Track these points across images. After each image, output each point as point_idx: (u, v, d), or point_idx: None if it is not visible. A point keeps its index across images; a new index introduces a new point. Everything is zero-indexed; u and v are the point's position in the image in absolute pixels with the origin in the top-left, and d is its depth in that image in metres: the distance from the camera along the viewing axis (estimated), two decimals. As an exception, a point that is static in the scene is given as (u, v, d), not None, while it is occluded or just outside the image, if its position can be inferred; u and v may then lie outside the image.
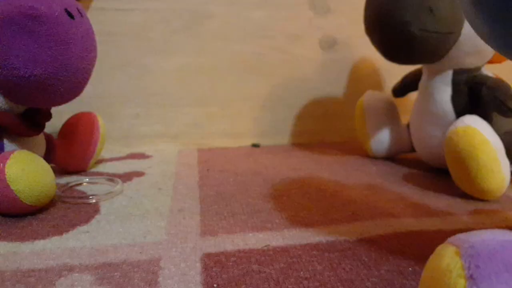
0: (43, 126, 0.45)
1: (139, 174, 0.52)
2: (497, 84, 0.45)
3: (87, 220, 0.38)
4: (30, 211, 0.38)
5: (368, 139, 0.59)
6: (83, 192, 0.46)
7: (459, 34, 0.45)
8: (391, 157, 0.60)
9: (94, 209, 0.41)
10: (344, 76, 0.69)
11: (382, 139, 0.58)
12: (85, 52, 0.40)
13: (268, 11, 0.65)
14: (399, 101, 0.67)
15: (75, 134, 0.52)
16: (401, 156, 0.61)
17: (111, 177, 0.49)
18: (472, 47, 0.46)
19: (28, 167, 0.37)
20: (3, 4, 0.36)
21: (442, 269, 0.18)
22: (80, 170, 0.52)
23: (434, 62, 0.48)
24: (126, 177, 0.51)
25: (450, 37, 0.45)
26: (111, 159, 0.59)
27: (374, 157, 0.60)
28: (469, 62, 0.47)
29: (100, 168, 0.55)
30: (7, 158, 0.36)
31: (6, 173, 0.36)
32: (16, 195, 0.36)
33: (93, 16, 0.60)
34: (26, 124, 0.42)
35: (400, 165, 0.57)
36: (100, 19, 0.60)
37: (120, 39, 0.62)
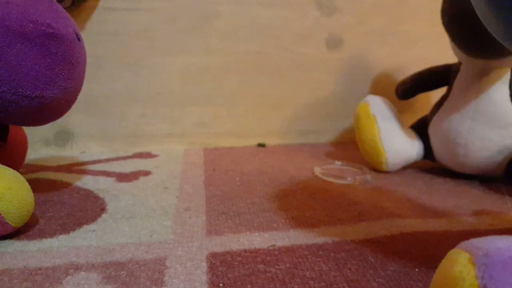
0: (5, 139, 0.42)
1: (146, 173, 0.52)
2: None
3: (94, 219, 0.38)
4: (10, 233, 0.34)
5: (383, 151, 0.51)
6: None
7: None
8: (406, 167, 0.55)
9: (101, 208, 0.41)
10: (351, 75, 0.69)
11: (399, 151, 0.51)
12: (84, 74, 0.40)
13: (275, 11, 0.65)
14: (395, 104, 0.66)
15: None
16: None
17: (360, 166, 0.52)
18: None
19: (13, 184, 0.33)
20: (15, 16, 0.33)
21: (454, 276, 0.18)
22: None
23: (504, 58, 0.43)
24: (133, 176, 0.51)
25: None
26: (118, 158, 0.60)
27: (387, 172, 0.53)
28: None
29: (107, 167, 0.55)
30: None
31: None
32: (2, 216, 0.32)
33: (100, 15, 0.60)
34: None
35: (405, 166, 0.56)
36: (107, 18, 0.61)
37: (126, 39, 0.62)
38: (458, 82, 0.49)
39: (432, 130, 0.52)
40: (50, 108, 0.36)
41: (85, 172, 0.53)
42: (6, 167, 0.34)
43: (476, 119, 0.46)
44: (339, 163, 0.53)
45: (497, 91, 0.45)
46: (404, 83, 0.58)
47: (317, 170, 0.49)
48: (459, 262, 0.18)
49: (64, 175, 0.51)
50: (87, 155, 0.61)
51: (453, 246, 0.33)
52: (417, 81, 0.56)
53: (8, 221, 0.33)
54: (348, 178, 0.46)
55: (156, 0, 0.62)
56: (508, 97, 0.45)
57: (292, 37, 0.66)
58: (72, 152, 0.62)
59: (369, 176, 0.48)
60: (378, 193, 0.45)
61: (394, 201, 0.43)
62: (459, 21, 0.43)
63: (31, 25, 0.33)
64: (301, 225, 0.37)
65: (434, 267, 0.30)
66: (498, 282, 0.16)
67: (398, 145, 0.51)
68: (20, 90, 0.34)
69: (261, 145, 0.68)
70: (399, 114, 0.55)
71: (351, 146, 0.66)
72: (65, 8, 0.45)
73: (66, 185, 0.47)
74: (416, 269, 0.29)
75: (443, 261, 0.20)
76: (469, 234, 0.35)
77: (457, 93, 0.49)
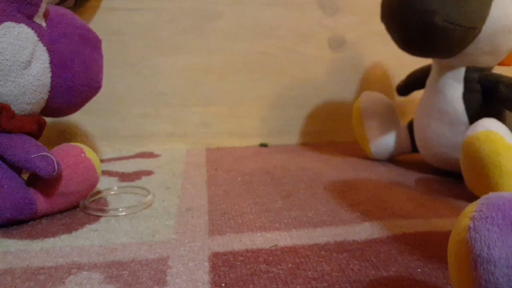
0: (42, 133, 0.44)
1: (148, 173, 0.52)
2: None
3: (96, 218, 0.38)
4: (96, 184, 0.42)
5: (367, 140, 0.58)
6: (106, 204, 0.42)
7: (479, 30, 0.43)
8: (392, 158, 0.59)
9: (104, 208, 0.41)
10: (353, 75, 0.69)
11: (381, 141, 0.57)
12: None
13: (277, 11, 0.65)
14: (398, 102, 0.66)
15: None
16: (404, 157, 0.60)
17: (141, 187, 0.46)
18: (489, 46, 0.45)
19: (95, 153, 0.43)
20: (73, 25, 0.44)
21: (463, 213, 0.21)
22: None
23: (450, 57, 0.46)
24: (135, 176, 0.51)
25: (471, 32, 0.43)
26: (120, 158, 0.60)
27: (374, 159, 0.59)
28: (483, 60, 0.46)
29: (110, 167, 0.55)
30: (81, 149, 0.41)
31: (91, 159, 0.41)
32: (97, 173, 0.41)
33: (102, 15, 0.61)
34: (35, 126, 0.41)
35: (409, 166, 0.56)
36: (109, 18, 0.61)
37: (129, 39, 0.62)
38: (428, 80, 0.52)
39: (414, 125, 0.55)
40: (87, 100, 0.47)
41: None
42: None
43: (432, 116, 0.50)
44: (116, 188, 0.46)
45: (451, 89, 0.48)
46: (402, 81, 0.60)
47: (82, 204, 0.41)
48: (472, 205, 0.21)
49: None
50: (90, 155, 0.61)
51: (456, 246, 0.33)
52: (411, 79, 0.58)
53: (98, 174, 0.42)
54: (120, 209, 0.39)
55: (158, 0, 0.62)
56: (461, 96, 0.47)
57: (295, 37, 0.66)
58: (74, 152, 0.62)
59: (148, 200, 0.42)
60: (380, 193, 0.45)
61: (396, 201, 0.43)
62: (392, 16, 0.45)
63: (90, 33, 0.46)
64: (303, 225, 0.37)
65: (437, 267, 0.30)
66: (483, 214, 0.19)
67: (381, 137, 0.57)
68: (92, 83, 0.46)
69: (263, 145, 0.68)
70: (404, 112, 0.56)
71: (353, 146, 0.66)
72: (68, 8, 0.47)
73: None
74: (419, 270, 0.29)
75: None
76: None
77: (426, 91, 0.52)
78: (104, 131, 0.64)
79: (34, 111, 0.41)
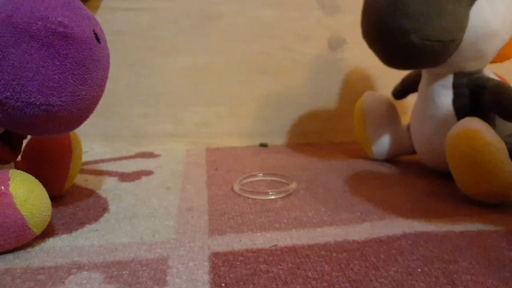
0: (20, 149, 0.38)
1: (148, 173, 0.52)
2: (500, 88, 0.43)
3: (96, 218, 0.38)
4: (28, 241, 0.33)
5: (369, 141, 0.58)
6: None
7: (461, 40, 0.43)
8: (392, 159, 0.59)
9: (103, 208, 0.41)
10: (353, 75, 0.69)
11: (383, 142, 0.58)
12: (103, 80, 0.35)
13: (277, 11, 0.65)
14: (399, 102, 0.66)
15: (43, 155, 0.41)
16: (404, 157, 0.60)
17: (282, 175, 0.50)
18: (474, 53, 0.44)
19: (35, 187, 0.32)
20: (23, 12, 0.29)
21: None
22: (52, 196, 0.36)
23: (435, 67, 0.46)
24: (135, 176, 0.51)
25: (452, 44, 0.43)
26: (120, 158, 0.60)
27: (375, 160, 0.59)
28: (470, 65, 0.46)
29: (110, 167, 0.55)
30: (7, 179, 0.30)
31: (13, 195, 0.30)
32: (26, 222, 0.31)
33: (102, 15, 0.61)
34: (6, 148, 0.36)
35: (408, 166, 0.56)
36: (109, 18, 0.61)
37: (129, 38, 0.62)
38: (419, 86, 0.52)
39: (410, 128, 0.55)
40: (58, 118, 0.32)
41: (87, 172, 0.53)
42: (20, 171, 0.33)
43: (425, 121, 0.50)
44: (261, 174, 0.51)
45: (441, 96, 0.48)
46: (397, 85, 0.60)
47: (236, 187, 0.46)
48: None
49: (67, 175, 0.51)
50: (90, 154, 0.61)
51: (456, 246, 0.33)
52: (406, 82, 0.58)
53: (31, 227, 0.31)
54: (270, 193, 0.44)
55: (158, 0, 0.62)
56: (451, 102, 0.47)
57: (295, 37, 0.66)
58: (74, 152, 0.62)
59: (292, 186, 0.46)
60: (380, 193, 0.45)
61: (396, 201, 0.43)
62: (371, 35, 0.46)
63: (40, 22, 0.29)
64: (303, 225, 0.37)
65: (437, 267, 0.30)
66: None
67: (383, 137, 0.57)
68: (24, 96, 0.29)
69: (263, 145, 0.68)
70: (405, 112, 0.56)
71: (353, 146, 0.66)
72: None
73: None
74: (419, 270, 0.29)
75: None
76: (472, 235, 0.35)
77: (418, 96, 0.52)
78: (104, 131, 0.64)
79: None
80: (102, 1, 0.61)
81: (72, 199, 0.43)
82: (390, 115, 0.58)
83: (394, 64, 0.47)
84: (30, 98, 0.30)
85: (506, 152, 0.40)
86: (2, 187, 0.30)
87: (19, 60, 0.29)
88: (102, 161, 0.58)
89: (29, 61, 0.29)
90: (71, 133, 0.43)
